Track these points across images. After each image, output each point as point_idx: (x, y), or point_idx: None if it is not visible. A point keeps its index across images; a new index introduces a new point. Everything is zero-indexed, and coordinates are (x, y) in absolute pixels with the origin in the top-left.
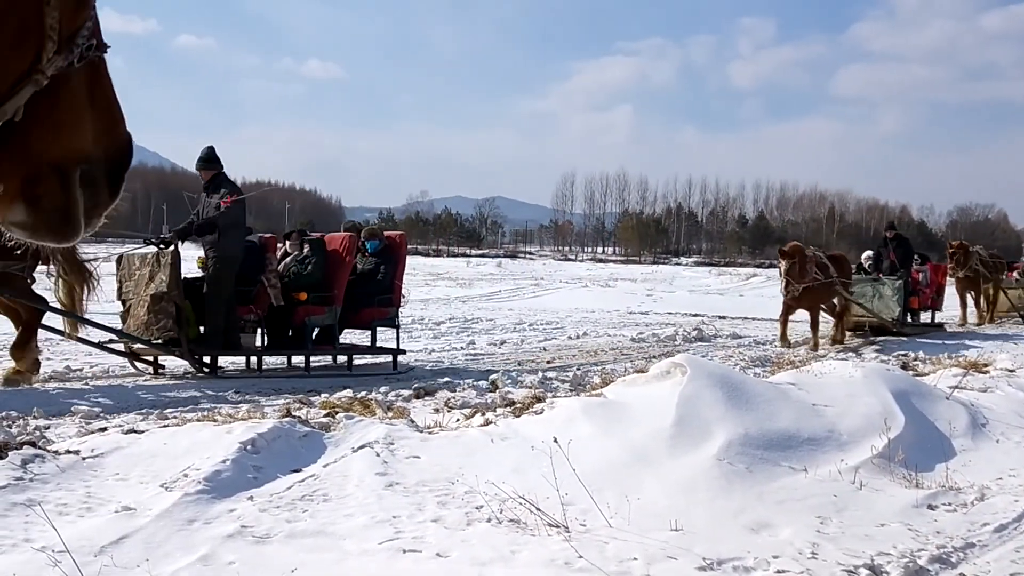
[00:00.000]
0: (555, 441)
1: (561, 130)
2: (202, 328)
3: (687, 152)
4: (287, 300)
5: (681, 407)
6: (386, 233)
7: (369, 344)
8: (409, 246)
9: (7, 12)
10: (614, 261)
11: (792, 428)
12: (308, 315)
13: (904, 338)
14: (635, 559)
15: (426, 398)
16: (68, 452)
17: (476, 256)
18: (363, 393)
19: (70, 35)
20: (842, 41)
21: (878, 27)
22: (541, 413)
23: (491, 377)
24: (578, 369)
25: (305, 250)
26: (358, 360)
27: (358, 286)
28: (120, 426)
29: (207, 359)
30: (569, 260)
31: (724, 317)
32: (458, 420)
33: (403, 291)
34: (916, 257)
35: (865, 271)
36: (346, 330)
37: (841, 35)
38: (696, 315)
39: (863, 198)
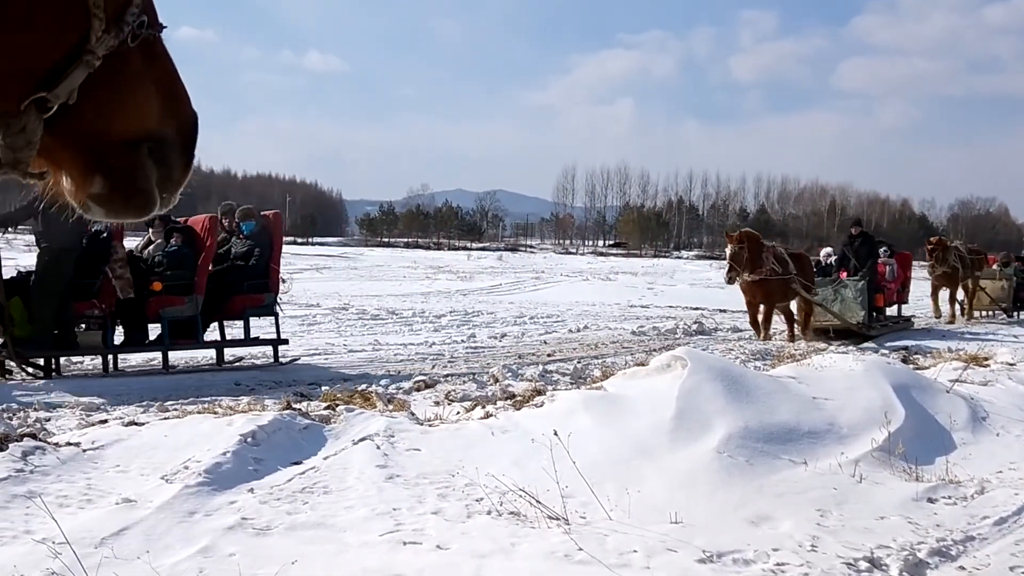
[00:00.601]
0: (555, 434)
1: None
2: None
3: (688, 145)
4: (140, 291)
5: (681, 400)
6: (262, 213)
7: (243, 337)
8: (409, 239)
9: None
10: (615, 255)
11: (792, 421)
12: (162, 307)
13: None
14: (635, 552)
15: (426, 391)
16: (68, 444)
17: (477, 249)
18: (363, 386)
19: (118, 13)
20: (843, 34)
21: (879, 20)
22: (541, 406)
23: (491, 370)
24: (578, 362)
25: (174, 240)
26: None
27: (231, 272)
28: (120, 418)
29: (41, 360)
30: (570, 253)
31: (725, 310)
32: (458, 413)
33: (282, 276)
34: (884, 248)
35: (823, 270)
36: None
37: (842, 28)
38: (697, 308)
39: (864, 192)
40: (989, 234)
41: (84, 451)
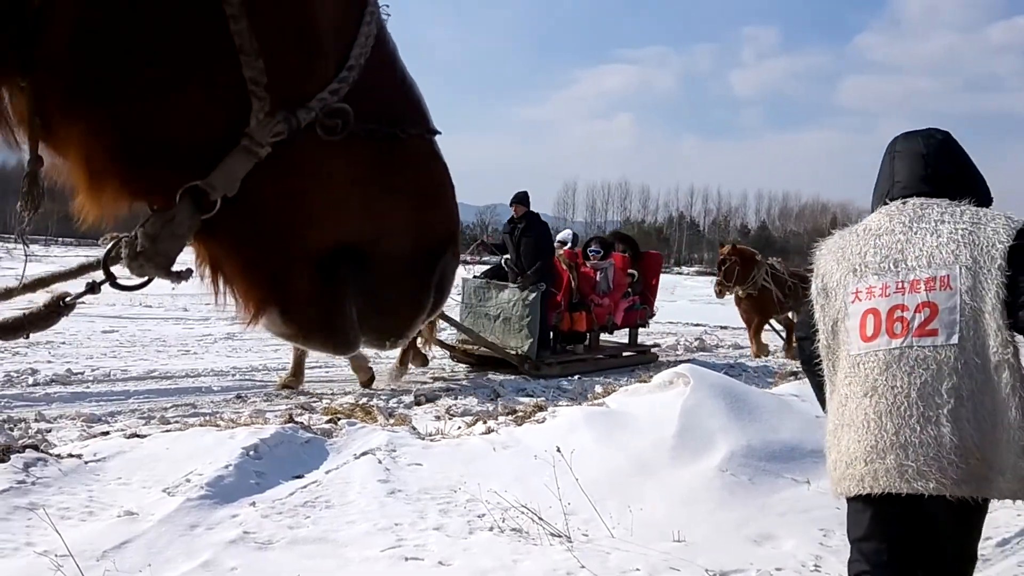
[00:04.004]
0: (558, 450)
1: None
2: None
3: (689, 160)
4: None
5: (683, 417)
6: None
7: None
8: None
9: (187, 58)
10: None
11: (795, 440)
12: None
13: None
14: (638, 570)
15: (427, 405)
16: (70, 456)
17: (477, 263)
18: (365, 400)
19: (298, 95)
20: (845, 52)
21: (880, 38)
22: (543, 422)
23: (493, 385)
24: (580, 378)
25: None
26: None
27: None
28: (122, 430)
29: None
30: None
31: (726, 327)
32: (460, 428)
33: None
34: (594, 246)
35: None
36: None
37: (844, 46)
38: (698, 325)
39: (865, 208)
40: None
41: (86, 463)
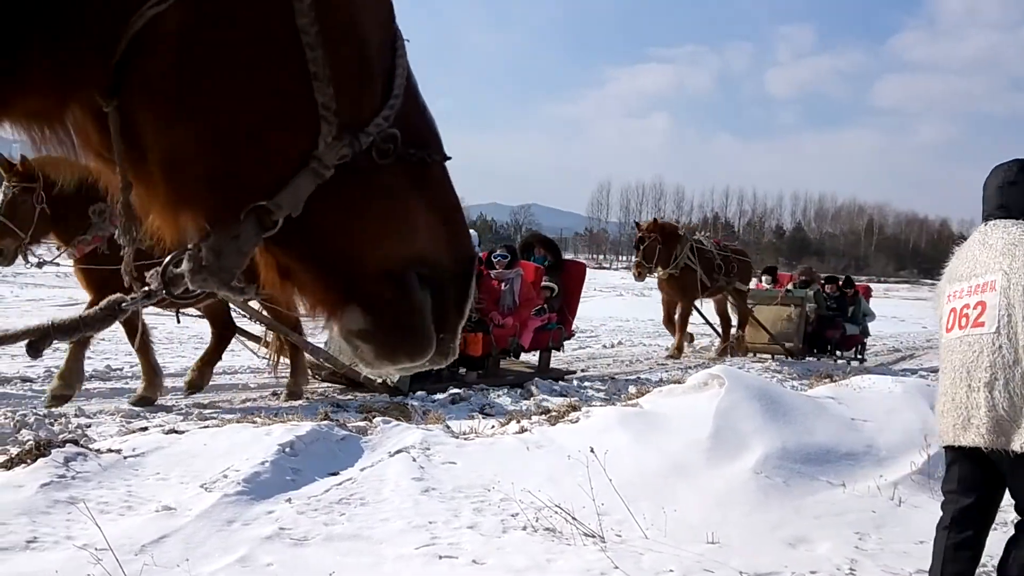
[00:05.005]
0: (591, 451)
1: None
2: None
3: (723, 160)
4: None
5: (718, 419)
6: None
7: None
8: None
9: (265, 85)
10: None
11: (830, 442)
12: None
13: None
14: (671, 571)
15: (461, 404)
16: (110, 451)
17: None
18: (399, 398)
19: (356, 120)
20: (881, 51)
21: (918, 37)
22: (576, 422)
23: (526, 384)
24: (613, 379)
25: None
26: None
27: None
28: (161, 426)
29: None
30: (604, 268)
31: None
32: (493, 427)
33: None
34: (499, 252)
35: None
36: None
37: (881, 45)
38: (732, 326)
39: (903, 211)
40: None
41: (125, 458)
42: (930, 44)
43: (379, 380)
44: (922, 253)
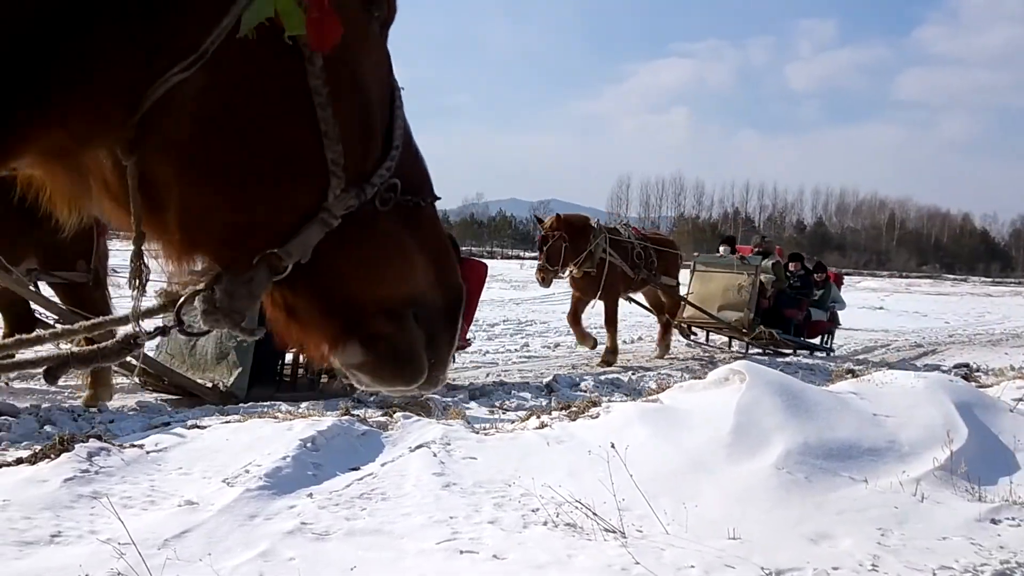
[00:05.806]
0: (612, 446)
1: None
2: None
3: (744, 155)
4: None
5: (739, 414)
6: None
7: None
8: (463, 247)
9: (280, 143)
10: None
11: (852, 438)
12: None
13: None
14: (692, 567)
15: (481, 399)
16: (133, 446)
17: (530, 258)
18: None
19: (361, 174)
20: (903, 44)
21: (941, 30)
22: (597, 417)
23: (546, 379)
24: (633, 373)
25: None
26: None
27: None
28: (183, 421)
29: None
30: None
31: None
32: (513, 422)
33: None
34: None
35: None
36: None
37: (903, 38)
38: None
39: (924, 205)
40: None
41: (148, 453)
42: (953, 37)
43: (210, 384)
44: (944, 248)
